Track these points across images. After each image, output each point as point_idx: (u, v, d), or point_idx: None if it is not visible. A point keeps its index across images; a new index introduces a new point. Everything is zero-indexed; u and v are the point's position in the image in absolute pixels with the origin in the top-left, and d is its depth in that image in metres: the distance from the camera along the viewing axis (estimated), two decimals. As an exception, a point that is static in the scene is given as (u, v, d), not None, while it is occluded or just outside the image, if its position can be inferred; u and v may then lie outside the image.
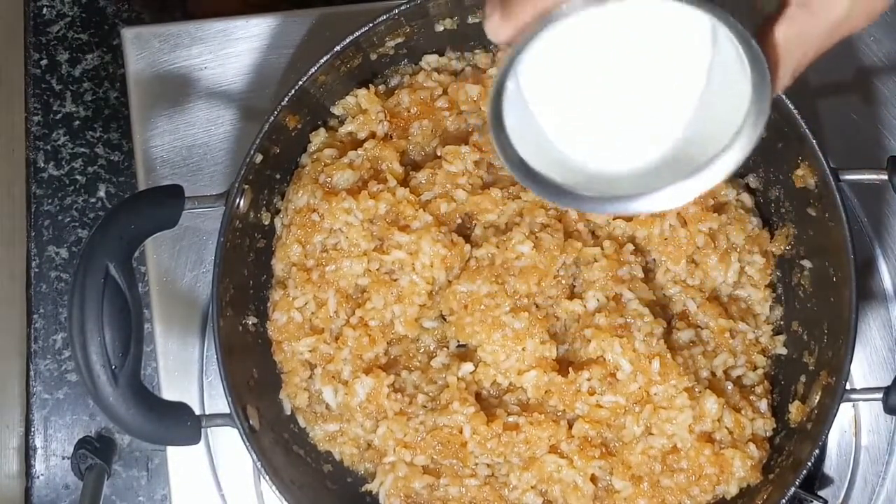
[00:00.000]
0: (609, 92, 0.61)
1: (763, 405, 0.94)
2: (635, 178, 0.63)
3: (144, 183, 1.07)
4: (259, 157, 0.91)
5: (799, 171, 0.92)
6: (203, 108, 1.08)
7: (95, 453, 1.11)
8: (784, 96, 0.88)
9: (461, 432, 0.92)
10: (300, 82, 0.91)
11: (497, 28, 0.56)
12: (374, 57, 0.97)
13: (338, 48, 0.91)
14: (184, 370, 1.05)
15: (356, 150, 0.96)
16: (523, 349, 0.91)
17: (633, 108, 0.61)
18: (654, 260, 0.96)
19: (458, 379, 0.93)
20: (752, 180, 0.99)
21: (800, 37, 0.58)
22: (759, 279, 0.96)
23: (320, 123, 0.99)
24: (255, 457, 0.88)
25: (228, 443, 1.03)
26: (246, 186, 0.91)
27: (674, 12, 0.56)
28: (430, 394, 0.94)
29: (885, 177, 0.87)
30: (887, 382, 0.87)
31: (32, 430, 1.15)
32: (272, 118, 0.91)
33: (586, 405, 0.91)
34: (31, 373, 1.16)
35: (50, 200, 1.18)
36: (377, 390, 0.93)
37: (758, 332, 0.96)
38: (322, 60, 0.91)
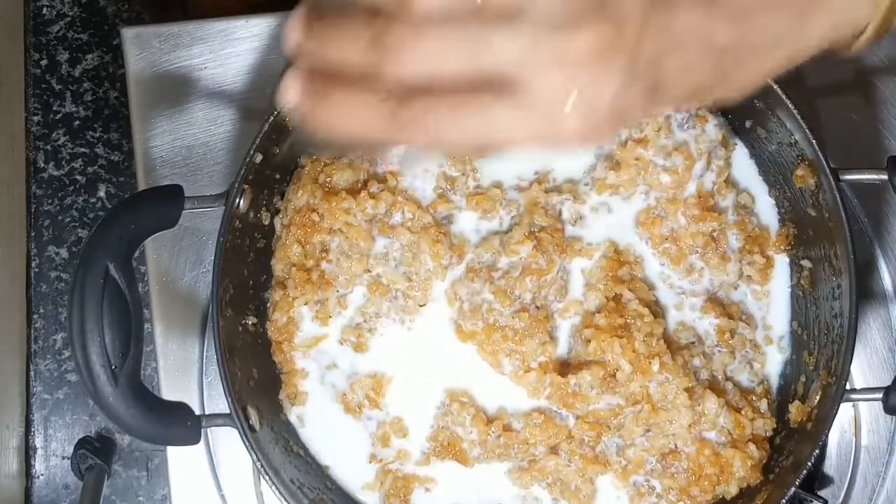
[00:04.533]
0: None
1: (763, 405, 0.94)
2: None
3: (144, 183, 1.07)
4: (259, 157, 0.91)
5: (799, 171, 0.92)
6: (203, 108, 1.08)
7: (95, 453, 1.11)
8: (784, 96, 0.88)
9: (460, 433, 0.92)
10: (300, 82, 0.91)
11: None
12: (374, 57, 0.97)
13: (338, 48, 0.91)
14: (184, 370, 1.05)
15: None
16: (523, 349, 0.91)
17: None
18: (655, 260, 0.96)
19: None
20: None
21: None
22: (759, 279, 0.96)
23: (320, 123, 0.99)
24: (255, 457, 0.88)
25: (228, 443, 1.03)
26: (246, 186, 0.91)
27: None
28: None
29: (885, 177, 0.87)
30: (887, 382, 0.87)
31: (32, 430, 1.15)
32: (272, 118, 0.91)
33: (586, 406, 0.91)
34: (31, 373, 1.16)
35: (50, 200, 1.18)
36: (376, 390, 0.93)
37: (758, 333, 0.96)
38: (322, 60, 0.91)
